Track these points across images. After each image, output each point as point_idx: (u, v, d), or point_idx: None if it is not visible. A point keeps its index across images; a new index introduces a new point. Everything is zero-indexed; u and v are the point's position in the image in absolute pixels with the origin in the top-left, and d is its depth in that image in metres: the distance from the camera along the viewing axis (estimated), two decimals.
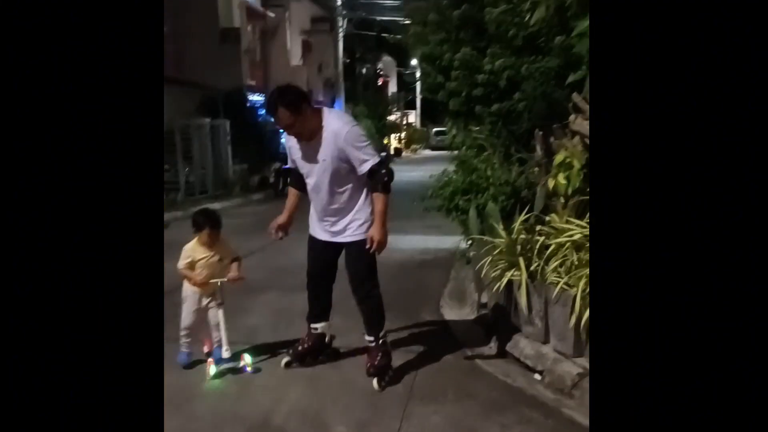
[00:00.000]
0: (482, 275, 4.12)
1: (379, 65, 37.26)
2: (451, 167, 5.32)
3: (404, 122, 41.82)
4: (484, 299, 4.54)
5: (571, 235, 3.42)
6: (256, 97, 19.69)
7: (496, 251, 3.95)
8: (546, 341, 3.68)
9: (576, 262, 3.40)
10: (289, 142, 3.47)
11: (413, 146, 39.26)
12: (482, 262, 4.05)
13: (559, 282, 3.40)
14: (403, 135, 39.00)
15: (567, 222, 3.50)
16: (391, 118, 35.14)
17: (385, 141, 33.42)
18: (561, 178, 3.55)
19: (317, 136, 3.26)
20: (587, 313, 3.13)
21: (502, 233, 3.91)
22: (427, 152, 36.37)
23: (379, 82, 37.11)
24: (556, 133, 3.88)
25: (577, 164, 3.51)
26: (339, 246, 3.49)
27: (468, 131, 4.97)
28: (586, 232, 3.37)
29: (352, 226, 3.39)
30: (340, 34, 27.48)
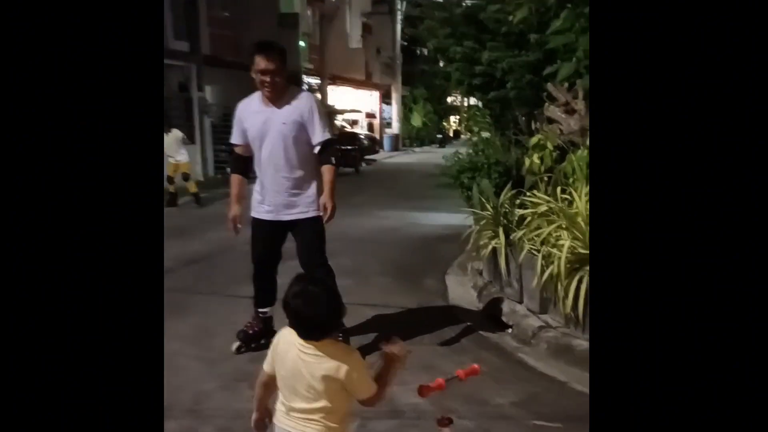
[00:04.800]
0: (472, 244, 4.66)
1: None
2: (464, 149, 5.83)
3: (465, 104, 41.74)
4: (479, 266, 5.06)
5: (537, 207, 3.90)
6: (313, 80, 20.45)
7: (483, 222, 4.48)
8: (521, 301, 4.20)
9: (545, 233, 3.88)
10: (244, 110, 3.40)
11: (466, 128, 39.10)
12: (472, 231, 4.59)
13: (528, 248, 3.89)
14: (465, 118, 38.95)
15: (534, 196, 3.98)
16: (450, 99, 35.22)
17: (444, 123, 33.66)
18: (535, 158, 4.02)
19: (281, 101, 3.26)
20: (547, 273, 3.62)
21: (488, 206, 4.42)
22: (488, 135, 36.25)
23: (440, 64, 37.19)
24: (538, 119, 4.34)
25: (549, 146, 3.97)
26: (286, 225, 3.42)
27: (475, 116, 5.46)
28: (552, 204, 3.84)
29: (304, 201, 3.36)
30: (399, 16, 27.71)
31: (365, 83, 27.48)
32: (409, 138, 29.46)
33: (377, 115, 28.66)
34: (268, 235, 3.45)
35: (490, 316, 4.25)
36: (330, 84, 22.73)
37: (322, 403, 1.63)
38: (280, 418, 1.70)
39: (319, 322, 1.62)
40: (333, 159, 3.32)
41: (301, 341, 1.64)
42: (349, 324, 3.64)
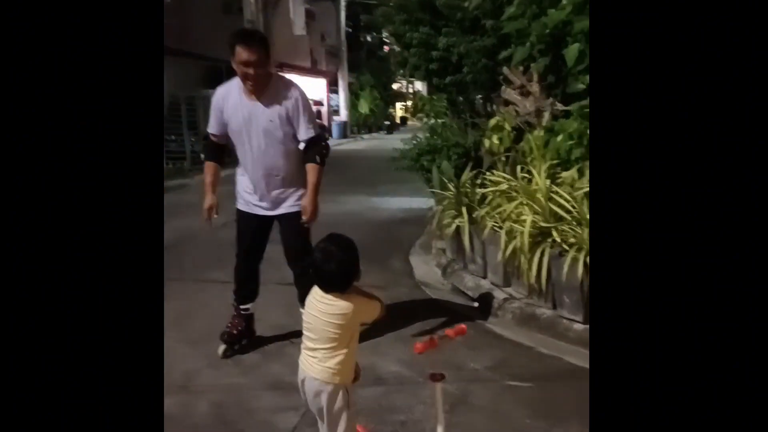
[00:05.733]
0: (436, 224, 4.85)
1: (384, 33, 37.33)
2: (422, 133, 6.01)
3: (410, 91, 42.03)
4: (443, 245, 5.26)
5: (498, 186, 4.11)
6: None
7: (446, 202, 4.67)
8: (485, 276, 4.42)
9: (507, 209, 4.10)
10: (223, 101, 3.18)
11: (419, 114, 39.43)
12: (435, 212, 4.78)
13: (491, 225, 4.11)
14: (409, 104, 39.25)
15: (494, 175, 4.19)
16: (396, 86, 35.41)
17: (391, 110, 33.84)
18: (495, 139, 4.23)
19: (265, 94, 3.08)
20: (510, 248, 3.84)
21: (451, 187, 4.61)
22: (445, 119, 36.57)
23: (385, 50, 37.32)
24: (495, 101, 4.55)
25: (507, 127, 4.18)
26: (272, 220, 3.35)
27: (431, 100, 5.65)
28: (512, 182, 4.06)
29: (291, 197, 3.27)
30: (343, 3, 27.63)
31: (311, 70, 27.32)
32: (357, 125, 29.51)
33: (324, 103, 28.57)
34: (256, 229, 3.35)
35: (457, 291, 4.46)
36: (277, 71, 22.51)
37: (326, 345, 1.93)
38: (300, 357, 2.04)
39: (331, 276, 1.90)
40: (318, 158, 3.17)
41: (321, 293, 1.94)
42: None
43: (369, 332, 3.69)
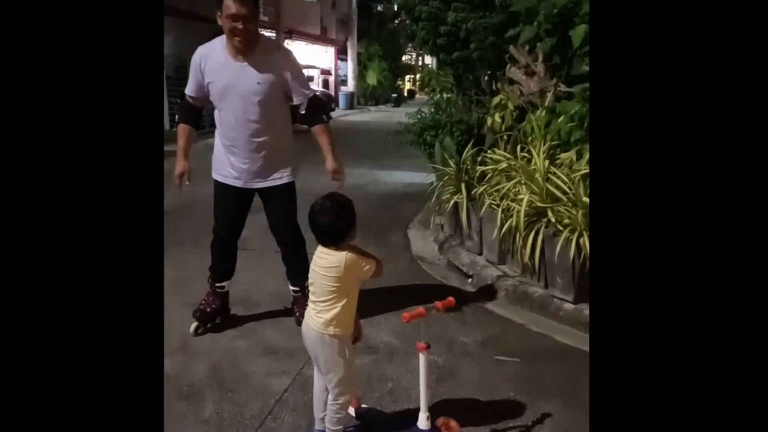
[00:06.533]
0: (434, 200, 4.90)
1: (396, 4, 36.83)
2: (426, 108, 6.01)
3: (420, 64, 41.68)
4: (441, 221, 5.32)
5: (498, 164, 4.15)
6: (268, 34, 20.04)
7: (446, 178, 4.71)
8: (480, 253, 4.48)
9: (505, 188, 4.14)
10: (205, 60, 2.96)
11: (426, 89, 39.18)
12: (435, 187, 4.83)
13: (489, 202, 4.15)
14: (418, 77, 38.96)
15: (495, 153, 4.22)
16: (406, 59, 35.11)
17: (399, 82, 33.61)
18: (497, 117, 4.25)
19: (254, 54, 2.88)
20: (507, 226, 3.89)
21: (452, 163, 4.64)
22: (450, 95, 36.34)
23: (396, 22, 36.89)
24: (500, 80, 4.55)
25: (510, 105, 4.20)
26: (253, 193, 3.16)
27: (437, 75, 5.64)
28: (512, 162, 4.09)
29: (277, 168, 3.08)
30: None
31: (321, 38, 27.08)
32: (364, 96, 29.35)
33: (332, 72, 28.37)
34: (236, 203, 3.14)
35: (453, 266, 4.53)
36: (286, 38, 22.34)
37: (324, 297, 2.08)
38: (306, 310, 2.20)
39: (323, 228, 2.04)
40: (325, 117, 3.02)
41: (320, 247, 2.09)
42: None
43: (363, 303, 3.78)
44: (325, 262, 2.06)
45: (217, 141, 3.13)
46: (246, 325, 3.40)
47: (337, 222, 2.04)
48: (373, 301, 3.78)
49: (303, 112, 3.02)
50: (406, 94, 34.04)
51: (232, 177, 3.10)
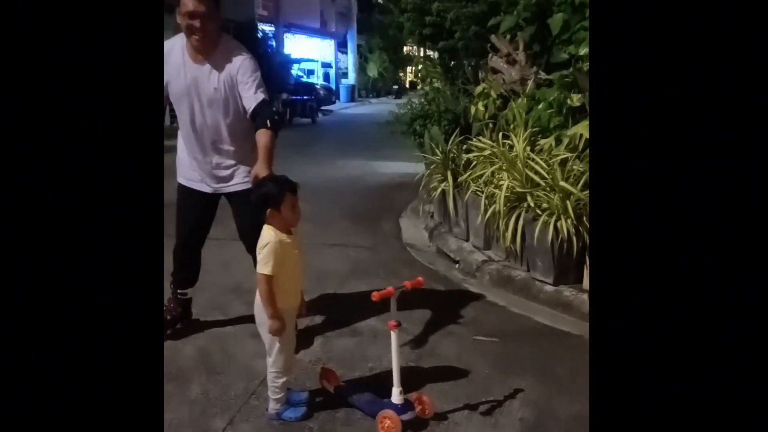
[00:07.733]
0: (423, 187, 5.01)
1: None
2: (416, 99, 6.12)
3: (421, 55, 41.54)
4: (431, 209, 5.43)
5: (482, 151, 4.24)
6: (267, 28, 20.15)
7: (434, 166, 4.81)
8: (467, 239, 4.58)
9: (486, 174, 4.24)
10: (168, 59, 2.81)
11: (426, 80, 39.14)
12: (424, 175, 4.93)
13: (473, 189, 4.26)
14: (419, 68, 38.80)
15: (480, 141, 4.31)
16: (407, 50, 35.04)
17: (401, 74, 33.61)
18: (480, 106, 4.34)
19: (213, 56, 2.79)
20: (490, 211, 3.99)
21: (438, 152, 4.74)
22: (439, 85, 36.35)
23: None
24: (483, 69, 4.64)
25: (493, 94, 4.29)
26: (218, 198, 3.05)
27: (427, 66, 5.74)
28: (495, 148, 4.19)
29: (240, 173, 2.96)
30: None
31: (320, 31, 27.14)
32: (365, 89, 29.39)
33: (333, 65, 28.42)
34: (200, 209, 3.05)
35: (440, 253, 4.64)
36: (285, 32, 22.42)
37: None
38: None
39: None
40: (268, 122, 2.75)
41: None
42: (311, 261, 3.94)
43: (349, 290, 3.89)
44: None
45: (180, 143, 3.04)
46: (235, 310, 3.51)
47: (259, 199, 2.29)
48: (359, 288, 3.92)
49: (249, 113, 2.82)
50: (408, 85, 34.00)
51: (197, 180, 3.02)
